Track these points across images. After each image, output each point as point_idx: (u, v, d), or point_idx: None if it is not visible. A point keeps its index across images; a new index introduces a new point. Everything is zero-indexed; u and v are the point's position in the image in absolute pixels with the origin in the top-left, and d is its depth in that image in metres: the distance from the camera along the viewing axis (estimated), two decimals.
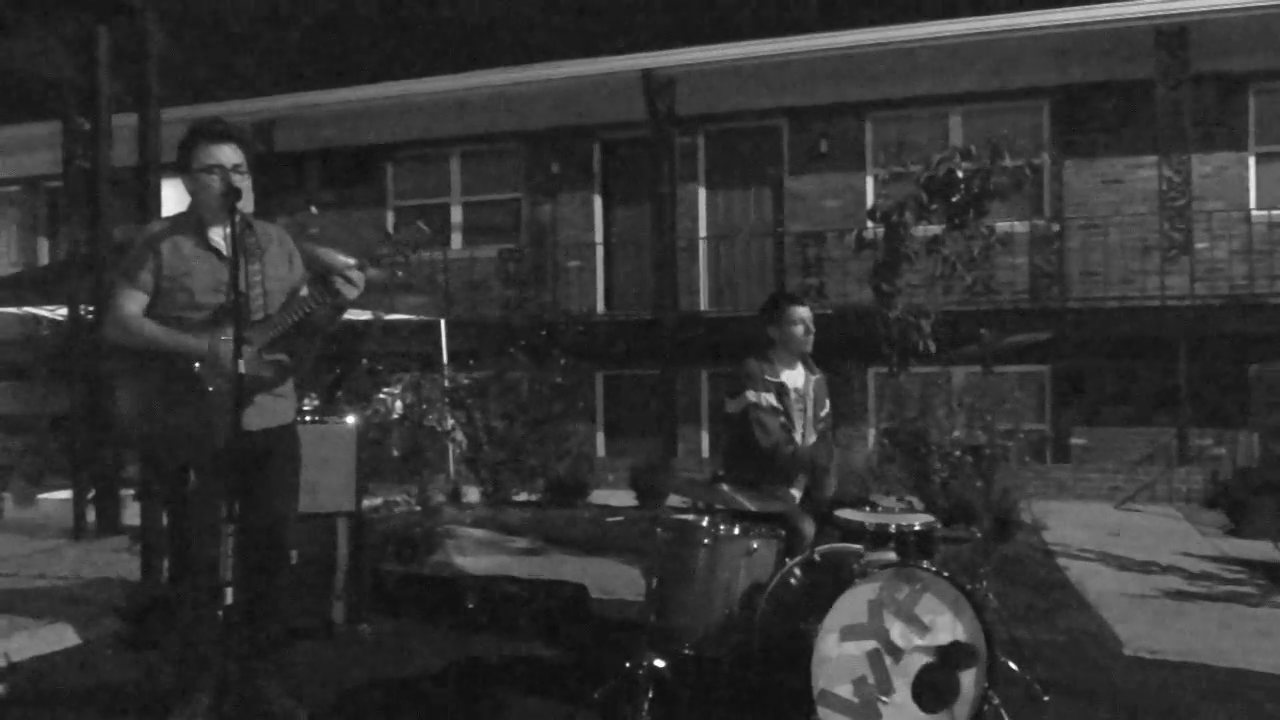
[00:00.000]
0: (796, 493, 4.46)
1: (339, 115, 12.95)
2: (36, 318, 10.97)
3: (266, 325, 3.37)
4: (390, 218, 13.24)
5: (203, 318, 3.35)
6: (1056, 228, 10.89)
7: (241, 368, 3.16)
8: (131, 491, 6.64)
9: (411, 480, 7.26)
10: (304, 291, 3.47)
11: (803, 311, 4.58)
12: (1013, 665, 3.88)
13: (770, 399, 4.45)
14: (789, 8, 11.45)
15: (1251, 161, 10.56)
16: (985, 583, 4.72)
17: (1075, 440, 10.68)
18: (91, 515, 7.12)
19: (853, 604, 3.25)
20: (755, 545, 3.67)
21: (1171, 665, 4.44)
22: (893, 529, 3.50)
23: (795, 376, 4.60)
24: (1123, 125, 10.76)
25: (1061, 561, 6.76)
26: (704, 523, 3.72)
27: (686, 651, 3.60)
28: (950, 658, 3.25)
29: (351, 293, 3.34)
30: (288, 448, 3.56)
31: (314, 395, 6.91)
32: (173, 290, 3.36)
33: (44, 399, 10.72)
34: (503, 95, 12.20)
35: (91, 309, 7.02)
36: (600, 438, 12.33)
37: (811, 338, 4.60)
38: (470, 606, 4.99)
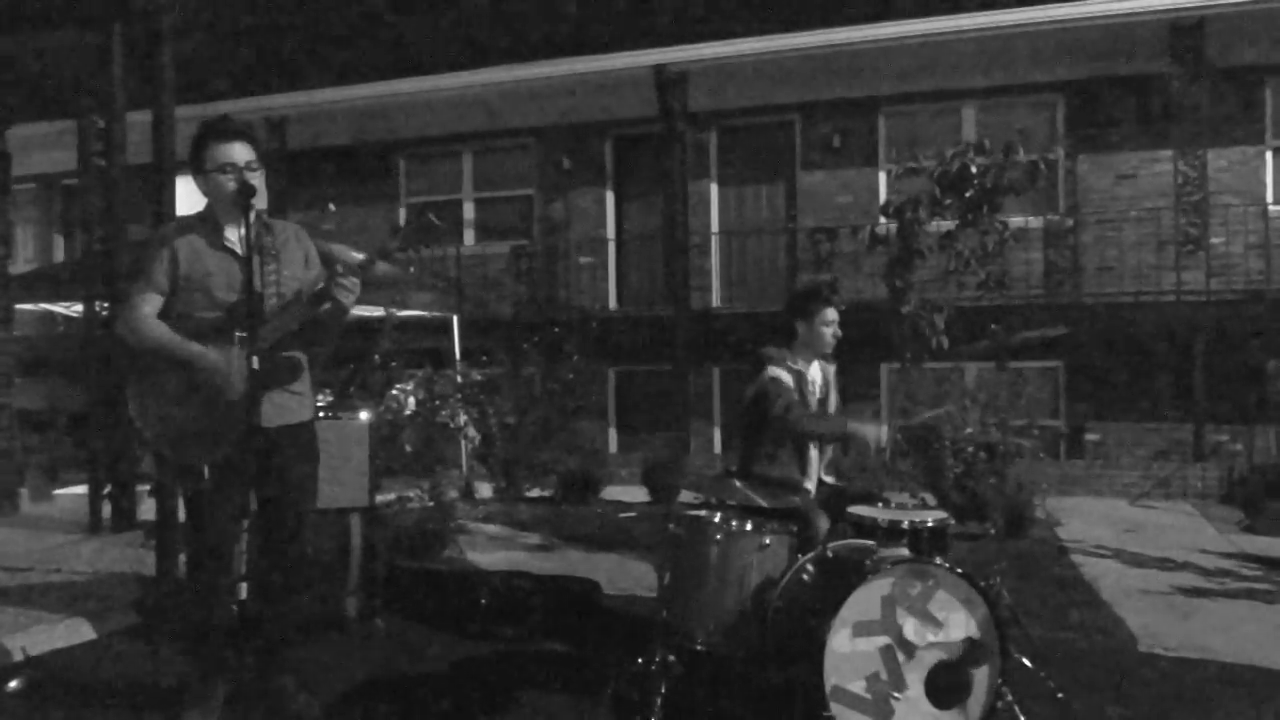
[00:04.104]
0: (811, 485, 4.46)
1: (351, 112, 12.99)
2: (53, 314, 11.07)
3: (270, 325, 3.33)
4: (403, 214, 13.27)
5: (219, 317, 3.34)
6: (1070, 223, 10.83)
7: (255, 364, 3.17)
8: (147, 487, 6.69)
9: (424, 476, 7.26)
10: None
11: (834, 314, 4.55)
12: (1026, 662, 3.87)
13: (787, 378, 4.44)
14: (801, 3, 11.40)
15: (1268, 155, 10.48)
16: (999, 579, 4.70)
17: (1090, 436, 10.62)
18: (107, 510, 7.17)
19: (866, 600, 3.24)
20: (767, 541, 3.66)
21: (1187, 662, 4.42)
22: (906, 525, 3.49)
23: (813, 368, 4.61)
24: (1137, 119, 10.69)
25: (1076, 558, 6.73)
26: (716, 518, 3.72)
27: (699, 647, 3.60)
28: (964, 654, 3.25)
29: (347, 298, 3.32)
30: (304, 445, 3.55)
31: (328, 391, 6.94)
32: (190, 290, 3.36)
33: (60, 395, 10.79)
34: (515, 92, 12.19)
35: (107, 305, 7.07)
36: (612, 434, 12.34)
37: (835, 341, 4.59)
38: (483, 602, 5.00)
